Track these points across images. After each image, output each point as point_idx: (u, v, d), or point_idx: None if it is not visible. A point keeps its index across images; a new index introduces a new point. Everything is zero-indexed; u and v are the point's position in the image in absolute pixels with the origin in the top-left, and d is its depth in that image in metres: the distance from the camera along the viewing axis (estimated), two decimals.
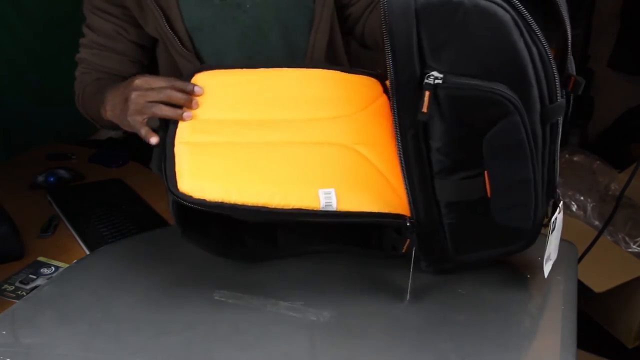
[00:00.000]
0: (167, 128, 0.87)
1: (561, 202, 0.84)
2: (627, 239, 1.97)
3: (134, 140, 1.11)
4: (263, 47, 1.10)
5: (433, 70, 0.72)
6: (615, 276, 1.82)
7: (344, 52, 1.20)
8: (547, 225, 0.83)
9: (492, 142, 0.74)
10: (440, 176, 0.78)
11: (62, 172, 1.59)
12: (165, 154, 0.83)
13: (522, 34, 0.70)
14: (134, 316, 0.78)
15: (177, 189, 0.78)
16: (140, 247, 0.97)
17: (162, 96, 0.88)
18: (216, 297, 0.80)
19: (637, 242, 1.96)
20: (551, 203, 0.83)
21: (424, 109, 0.72)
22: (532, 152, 0.75)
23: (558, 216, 0.83)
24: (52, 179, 1.56)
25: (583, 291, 1.41)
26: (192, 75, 0.94)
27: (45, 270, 1.16)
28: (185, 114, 0.87)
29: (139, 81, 0.92)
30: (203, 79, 0.94)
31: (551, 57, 0.73)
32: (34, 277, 1.14)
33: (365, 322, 0.78)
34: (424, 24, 0.71)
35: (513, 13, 0.70)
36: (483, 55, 0.71)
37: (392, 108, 0.77)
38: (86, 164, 1.71)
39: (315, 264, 0.91)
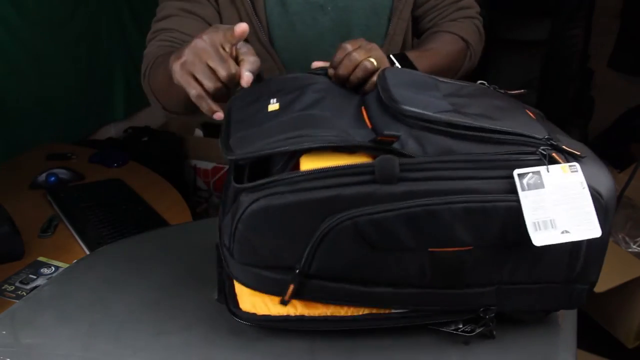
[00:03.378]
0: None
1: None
2: (627, 239, 1.97)
3: (134, 140, 1.11)
4: None
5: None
6: (615, 276, 1.82)
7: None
8: None
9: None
10: None
11: (62, 172, 1.60)
12: (223, 276, 0.78)
13: None
14: (134, 316, 0.78)
15: (240, 309, 0.73)
16: (140, 247, 0.96)
17: (213, 64, 0.76)
18: (216, 297, 0.80)
19: (637, 242, 1.96)
20: None
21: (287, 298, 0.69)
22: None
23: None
24: (52, 179, 1.56)
25: None
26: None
27: (45, 270, 1.16)
28: (217, 115, 0.77)
29: (205, 36, 0.77)
30: None
31: None
32: (34, 277, 1.14)
33: None
34: None
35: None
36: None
37: None
38: (86, 164, 1.71)
39: None
